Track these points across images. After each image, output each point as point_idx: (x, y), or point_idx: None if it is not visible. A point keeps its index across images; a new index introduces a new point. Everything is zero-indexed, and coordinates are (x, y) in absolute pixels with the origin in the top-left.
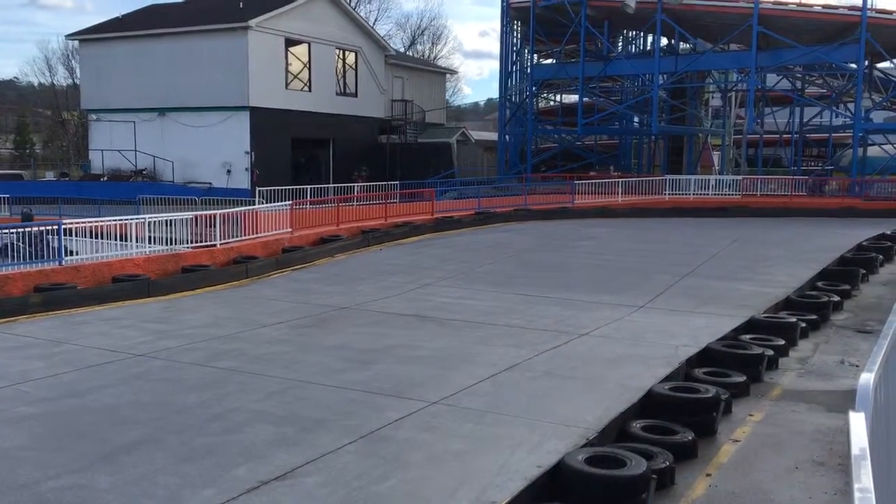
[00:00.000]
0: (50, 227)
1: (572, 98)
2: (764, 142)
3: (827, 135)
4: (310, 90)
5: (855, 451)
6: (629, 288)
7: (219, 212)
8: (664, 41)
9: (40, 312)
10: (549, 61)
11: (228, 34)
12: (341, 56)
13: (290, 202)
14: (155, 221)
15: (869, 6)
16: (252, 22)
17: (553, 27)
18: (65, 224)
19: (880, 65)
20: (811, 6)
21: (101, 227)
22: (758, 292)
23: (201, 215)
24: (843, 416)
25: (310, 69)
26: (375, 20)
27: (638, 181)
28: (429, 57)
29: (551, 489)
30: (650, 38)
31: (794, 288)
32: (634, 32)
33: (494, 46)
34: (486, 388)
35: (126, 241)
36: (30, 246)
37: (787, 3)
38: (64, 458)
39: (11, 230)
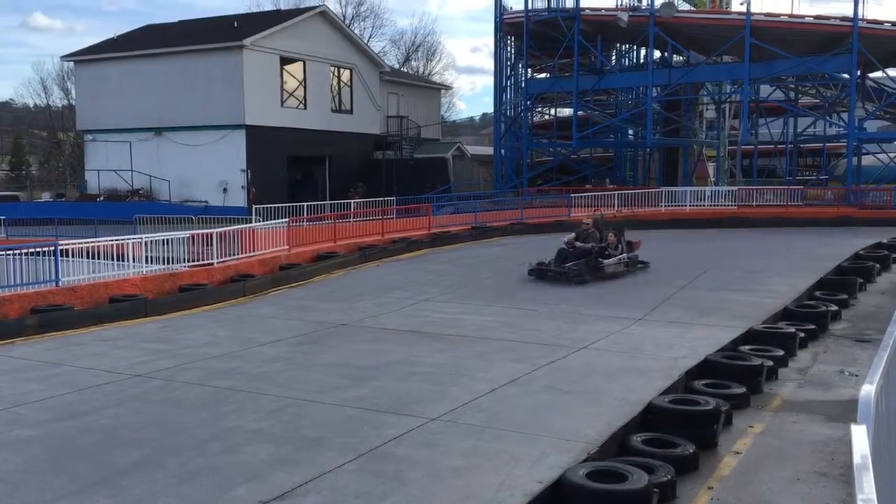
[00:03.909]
0: (47, 248)
1: (567, 112)
2: (759, 152)
3: (821, 144)
4: (305, 108)
5: (858, 461)
6: (627, 300)
7: (215, 230)
8: (657, 54)
9: (37, 334)
10: (543, 75)
11: (223, 53)
12: (336, 73)
13: (287, 219)
14: (152, 241)
15: (860, 16)
16: (247, 41)
17: (546, 42)
18: (61, 245)
19: (872, 74)
20: (803, 17)
21: (98, 247)
22: (756, 303)
23: (198, 234)
24: (844, 426)
25: (305, 87)
26: (370, 37)
27: (634, 193)
28: (423, 73)
29: None
30: (643, 52)
31: (792, 298)
32: (628, 46)
33: (487, 62)
34: (486, 403)
35: (123, 261)
36: None
37: (778, 15)
38: (62, 480)
39: (7, 252)
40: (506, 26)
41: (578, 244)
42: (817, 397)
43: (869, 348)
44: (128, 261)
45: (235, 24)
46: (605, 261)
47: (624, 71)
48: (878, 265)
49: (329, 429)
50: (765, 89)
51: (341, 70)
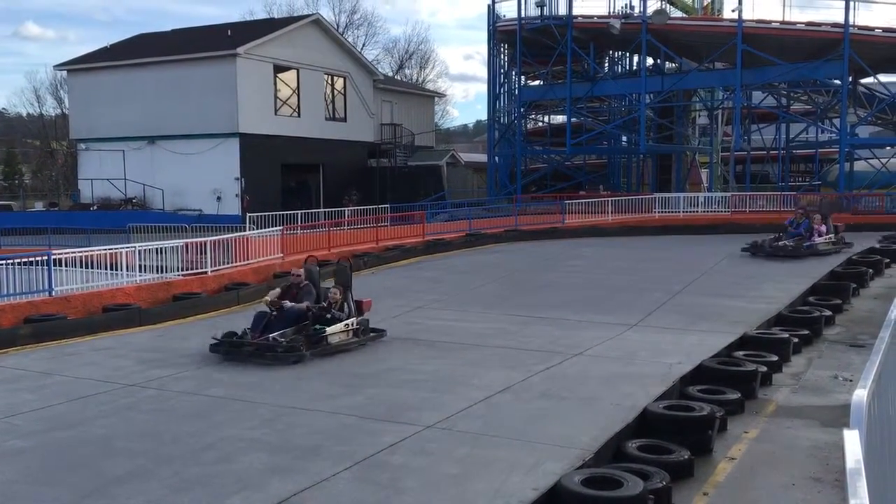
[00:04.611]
0: (40, 258)
1: (560, 118)
2: (751, 158)
3: (813, 150)
4: (299, 116)
5: (850, 466)
6: (621, 306)
7: (209, 239)
8: (650, 61)
9: (31, 344)
10: (536, 83)
11: (217, 62)
12: (330, 81)
13: (281, 227)
14: (145, 250)
15: (851, 23)
16: (240, 49)
17: (539, 49)
18: (54, 254)
19: (864, 80)
20: (794, 24)
21: (92, 256)
22: (749, 308)
23: (192, 243)
24: (839, 431)
25: (299, 95)
26: (363, 45)
27: (627, 200)
28: (417, 81)
29: None
30: (636, 59)
31: (786, 303)
32: (620, 53)
33: (479, 69)
34: (481, 410)
35: (116, 270)
36: None
37: (770, 22)
38: (56, 491)
39: (0, 262)
40: (499, 34)
41: (287, 304)
42: (812, 402)
43: (863, 353)
44: (121, 270)
45: (229, 33)
46: (329, 328)
47: (617, 78)
48: (871, 270)
49: (324, 437)
50: (757, 96)
51: (335, 78)
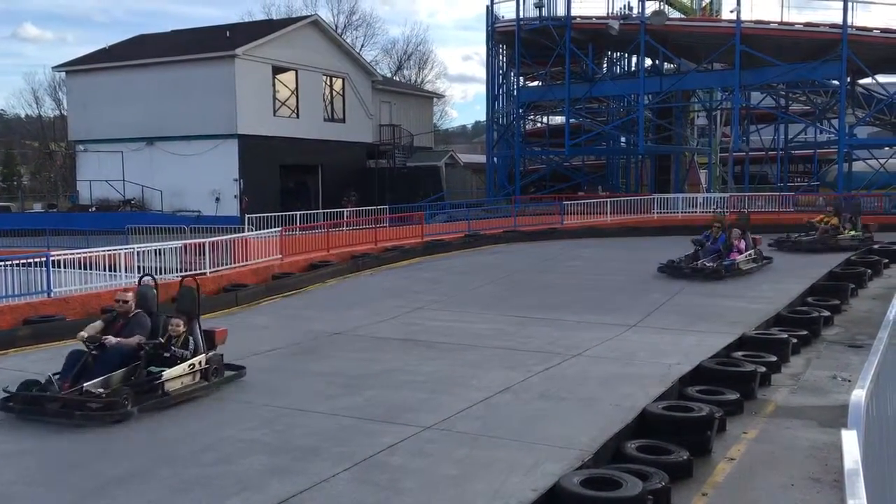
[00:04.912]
0: (38, 259)
1: (559, 119)
2: (750, 159)
3: (812, 151)
4: (297, 117)
5: (849, 466)
6: (620, 307)
7: (208, 240)
8: (648, 62)
9: (29, 345)
10: (535, 83)
11: (216, 63)
12: (328, 82)
13: (280, 228)
14: (144, 251)
15: (849, 23)
16: (239, 50)
17: (538, 50)
18: (53, 255)
19: (862, 81)
20: (792, 24)
21: (90, 258)
22: (748, 309)
23: (190, 244)
24: (838, 431)
25: (297, 96)
26: (362, 46)
27: (626, 200)
28: (415, 81)
29: None
30: (635, 59)
31: (784, 304)
32: (619, 54)
33: (478, 70)
34: (480, 411)
35: (115, 271)
36: None
37: (768, 23)
38: (55, 493)
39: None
40: (497, 35)
41: (111, 340)
42: (810, 403)
43: (861, 353)
44: (120, 271)
45: (227, 34)
46: (168, 371)
47: (615, 79)
48: (869, 270)
49: (323, 438)
50: (755, 96)
51: (334, 79)
